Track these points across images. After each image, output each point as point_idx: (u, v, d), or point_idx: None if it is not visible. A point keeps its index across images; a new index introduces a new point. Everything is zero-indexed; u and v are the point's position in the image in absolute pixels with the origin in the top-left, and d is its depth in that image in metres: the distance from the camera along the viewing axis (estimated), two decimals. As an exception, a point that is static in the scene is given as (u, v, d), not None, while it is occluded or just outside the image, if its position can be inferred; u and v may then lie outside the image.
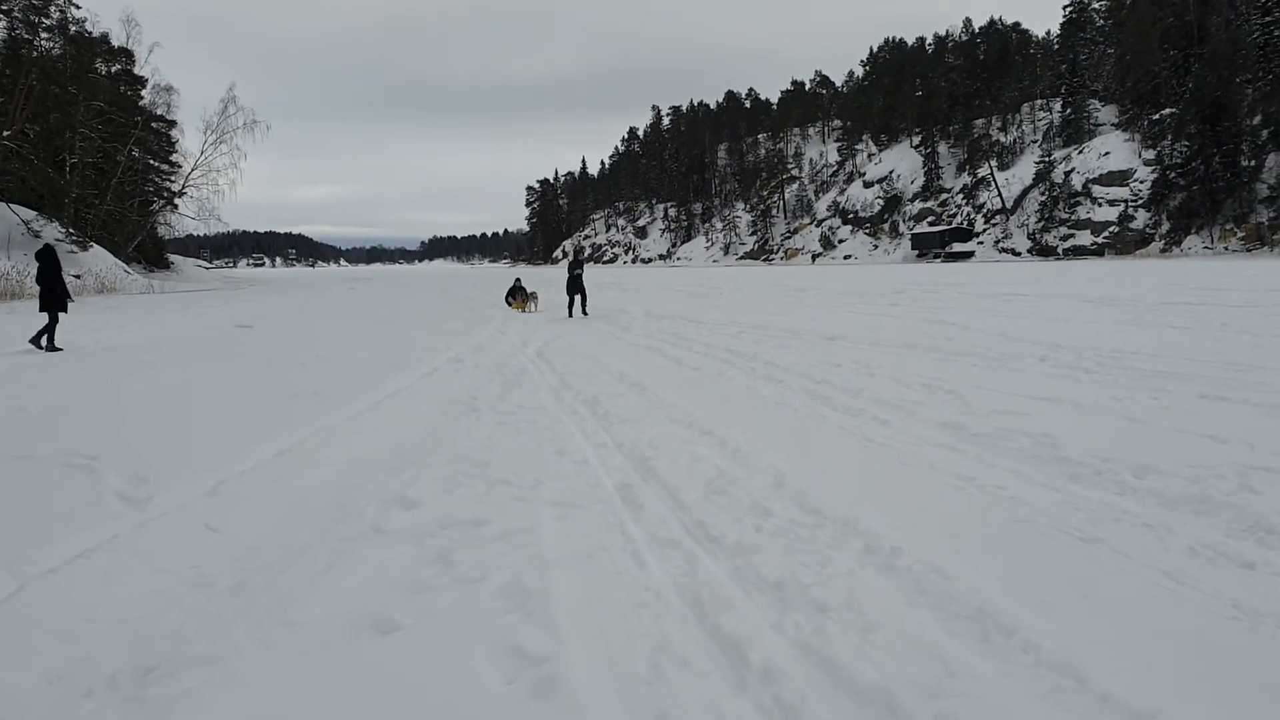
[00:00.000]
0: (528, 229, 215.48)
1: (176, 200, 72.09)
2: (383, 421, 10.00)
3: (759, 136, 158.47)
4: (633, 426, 9.26)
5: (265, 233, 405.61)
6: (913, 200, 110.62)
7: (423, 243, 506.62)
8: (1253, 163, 74.18)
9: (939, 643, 4.04)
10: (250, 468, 7.72)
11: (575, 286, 27.50)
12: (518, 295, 32.62)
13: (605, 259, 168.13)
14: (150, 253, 71.62)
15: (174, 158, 74.38)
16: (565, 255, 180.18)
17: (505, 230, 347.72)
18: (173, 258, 77.23)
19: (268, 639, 4.24)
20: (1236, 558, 5.05)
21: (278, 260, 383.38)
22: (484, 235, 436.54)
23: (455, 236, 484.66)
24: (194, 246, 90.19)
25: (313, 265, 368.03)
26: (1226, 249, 72.76)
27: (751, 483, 6.88)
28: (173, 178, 73.68)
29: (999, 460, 7.48)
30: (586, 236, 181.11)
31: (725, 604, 4.56)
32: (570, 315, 27.04)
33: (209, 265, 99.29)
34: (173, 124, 73.07)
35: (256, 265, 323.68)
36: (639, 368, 14.08)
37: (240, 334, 22.41)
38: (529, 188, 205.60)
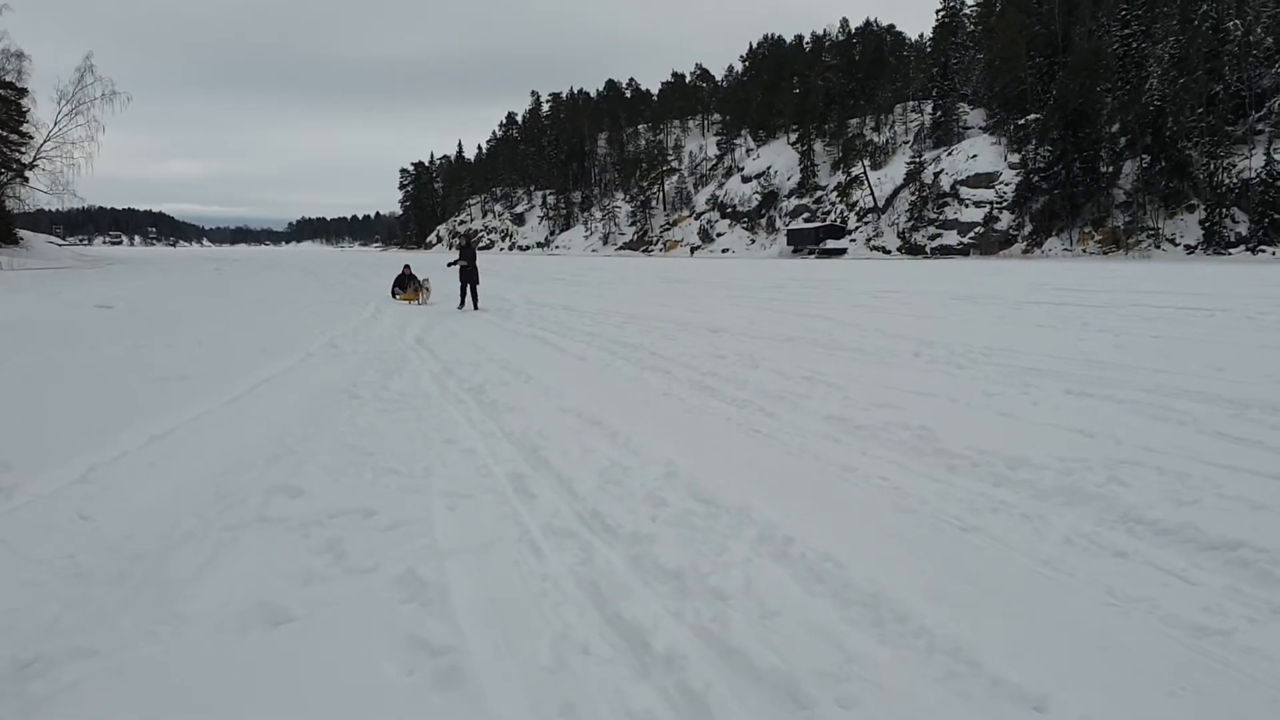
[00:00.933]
0: (401, 212, 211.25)
1: (27, 173, 68.31)
2: (260, 408, 9.70)
3: (639, 127, 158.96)
4: (521, 416, 9.18)
5: (124, 210, 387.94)
6: (789, 196, 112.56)
7: (291, 224, 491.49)
8: (1111, 169, 77.84)
9: (837, 630, 4.13)
10: (122, 454, 7.39)
11: (467, 275, 24.88)
12: (408, 285, 28.75)
13: (482, 245, 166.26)
14: (-4, 227, 67.73)
15: (24, 128, 70.31)
16: (441, 240, 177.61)
17: (377, 213, 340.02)
18: (22, 233, 73.08)
19: (155, 631, 4.06)
20: (1109, 547, 5.30)
21: (136, 239, 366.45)
22: (355, 218, 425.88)
23: (325, 218, 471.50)
24: (46, 222, 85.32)
25: (174, 245, 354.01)
26: (1085, 251, 76.22)
27: (645, 473, 6.90)
28: (23, 149, 69.75)
29: (881, 452, 7.69)
30: (462, 222, 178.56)
31: (624, 592, 4.57)
32: (461, 307, 24.80)
33: (62, 242, 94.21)
34: (23, 92, 69.10)
35: (114, 244, 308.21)
36: (523, 356, 13.98)
37: (100, 315, 21.39)
38: (403, 170, 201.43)
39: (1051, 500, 6.19)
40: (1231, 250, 66.99)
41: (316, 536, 5.40)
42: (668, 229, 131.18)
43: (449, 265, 25.89)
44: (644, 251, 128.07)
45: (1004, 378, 11.30)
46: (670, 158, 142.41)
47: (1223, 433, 8.03)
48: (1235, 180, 69.06)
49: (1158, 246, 72.16)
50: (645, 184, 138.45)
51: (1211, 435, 7.97)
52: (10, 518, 5.77)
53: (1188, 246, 70.54)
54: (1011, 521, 5.81)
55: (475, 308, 24.49)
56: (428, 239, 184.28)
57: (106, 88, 67.70)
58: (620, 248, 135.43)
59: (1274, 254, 64.06)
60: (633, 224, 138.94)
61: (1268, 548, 4.96)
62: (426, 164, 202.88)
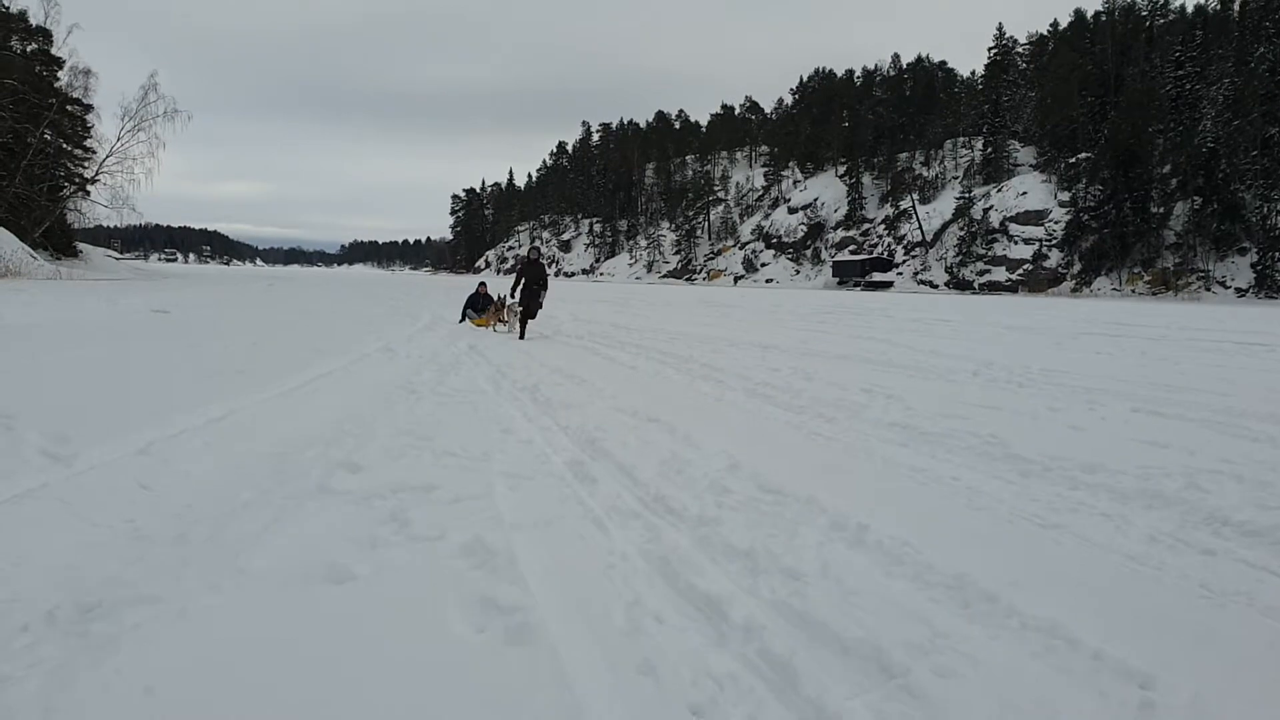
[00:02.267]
0: (451, 237, 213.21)
1: (89, 187, 69.57)
2: (316, 399, 9.66)
3: (687, 158, 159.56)
4: (577, 412, 9.09)
5: (179, 227, 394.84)
6: (835, 228, 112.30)
7: (342, 246, 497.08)
8: (1161, 210, 76.92)
9: (922, 608, 3.96)
10: (180, 432, 7.35)
11: (530, 298, 19.89)
12: (484, 307, 22.95)
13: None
14: (58, 240, 68.76)
15: (88, 143, 71.57)
16: (490, 265, 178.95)
17: (428, 238, 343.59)
18: (82, 246, 74.36)
19: (217, 584, 3.97)
20: (1196, 545, 5.09)
21: (191, 256, 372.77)
22: (405, 242, 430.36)
23: (376, 242, 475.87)
24: (104, 237, 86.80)
25: (227, 263, 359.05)
26: (1134, 291, 75.24)
27: (706, 464, 6.76)
28: (86, 164, 71.08)
29: (950, 456, 7.49)
30: (510, 248, 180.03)
31: (695, 568, 4.43)
32: (522, 336, 19.49)
33: (119, 256, 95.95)
34: (89, 108, 70.44)
35: (169, 260, 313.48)
36: (574, 364, 13.90)
37: (156, 318, 21.62)
38: (454, 196, 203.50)
39: (1132, 503, 5.97)
40: (1285, 294, 65.82)
41: (379, 508, 5.31)
42: (712, 258, 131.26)
43: (511, 296, 20.40)
44: (687, 280, 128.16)
45: (1068, 396, 11.04)
46: (717, 188, 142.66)
47: (1303, 450, 7.77)
48: (1290, 223, 67.94)
49: (1208, 289, 71.05)
50: (691, 213, 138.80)
51: (1290, 451, 7.70)
52: (70, 483, 5.71)
53: (1239, 290, 69.39)
54: (1092, 520, 5.61)
55: (521, 336, 19.36)
56: (476, 264, 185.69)
57: (168, 105, 68.74)
58: (664, 276, 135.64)
59: (1330, 298, 62.81)
60: (677, 253, 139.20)
61: (1370, 549, 4.72)
62: (478, 190, 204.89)
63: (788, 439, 8.18)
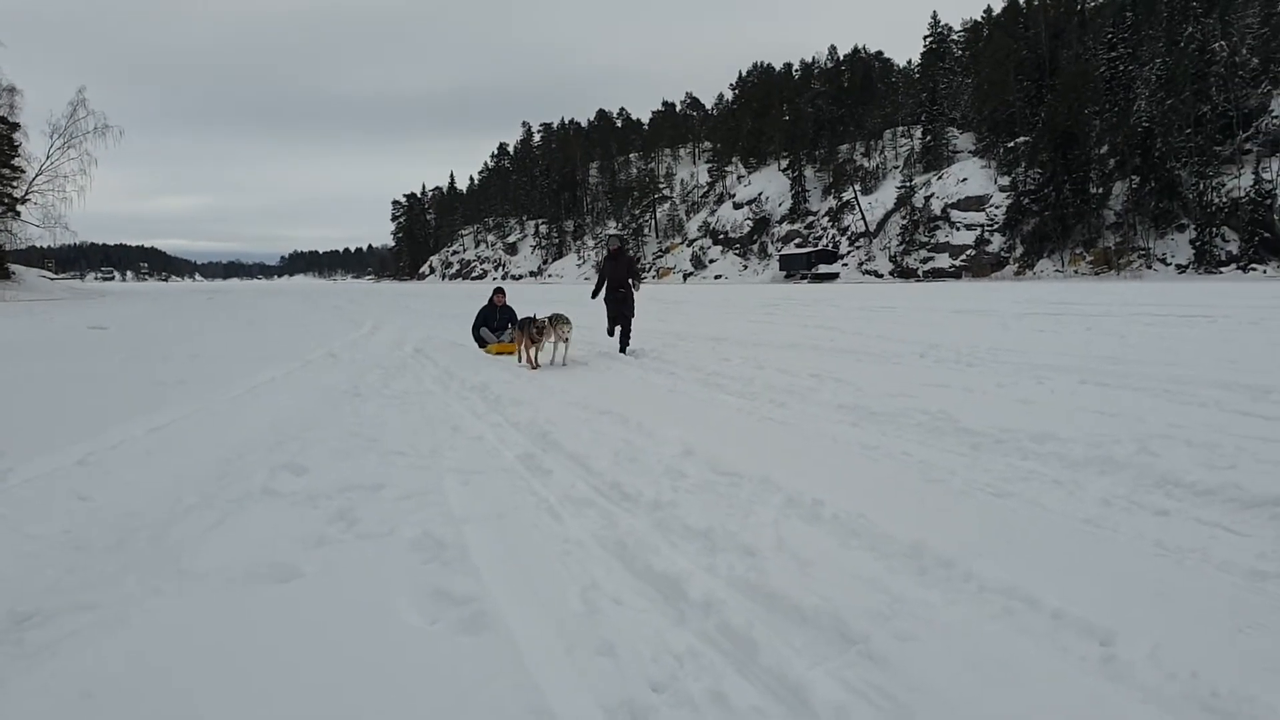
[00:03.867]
0: (393, 244, 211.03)
1: (19, 207, 67.92)
2: (260, 405, 9.47)
3: (630, 156, 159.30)
4: (528, 408, 8.99)
5: (115, 245, 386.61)
6: (781, 222, 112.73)
7: (283, 257, 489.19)
8: (1100, 190, 78.02)
9: (880, 576, 3.94)
10: (120, 442, 7.16)
11: (617, 300, 15.56)
12: (504, 326, 17.05)
13: (474, 275, 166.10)
14: (-12, 262, 67.18)
15: (16, 162, 69.93)
16: (434, 271, 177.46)
17: (369, 245, 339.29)
18: (14, 268, 72.52)
19: (159, 587, 3.85)
20: (1150, 507, 5.13)
21: (129, 274, 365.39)
22: (347, 250, 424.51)
23: (317, 251, 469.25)
24: (38, 257, 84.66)
25: (166, 279, 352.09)
26: (1076, 272, 76.27)
27: (660, 451, 6.72)
28: (15, 183, 69.38)
29: (900, 433, 7.50)
30: (455, 252, 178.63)
31: (652, 550, 4.37)
32: (621, 348, 15.55)
33: (54, 276, 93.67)
34: (15, 126, 68.84)
35: (106, 279, 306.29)
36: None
37: (94, 334, 21.14)
38: (395, 202, 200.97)
39: (1084, 469, 6.02)
40: (1222, 269, 67.11)
41: (325, 507, 5.19)
42: (660, 256, 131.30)
43: (594, 296, 16.04)
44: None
45: (1015, 372, 11.13)
46: (662, 185, 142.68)
47: (1247, 412, 7.90)
48: (1225, 200, 69.26)
49: (1149, 266, 72.27)
50: (637, 212, 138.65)
51: (1235, 414, 7.83)
52: (4, 497, 5.53)
53: (1179, 266, 70.67)
54: (1045, 487, 5.64)
55: (623, 350, 15.46)
56: (420, 270, 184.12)
57: (99, 121, 67.39)
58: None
59: (1264, 272, 64.19)
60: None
61: (1318, 503, 4.78)
62: (419, 195, 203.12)
63: (741, 424, 8.15)
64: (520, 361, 13.63)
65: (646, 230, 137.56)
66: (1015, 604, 3.58)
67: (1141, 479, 5.67)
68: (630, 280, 15.53)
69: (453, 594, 3.73)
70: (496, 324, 16.98)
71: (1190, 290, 38.45)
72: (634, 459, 6.47)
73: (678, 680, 3.05)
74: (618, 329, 15.74)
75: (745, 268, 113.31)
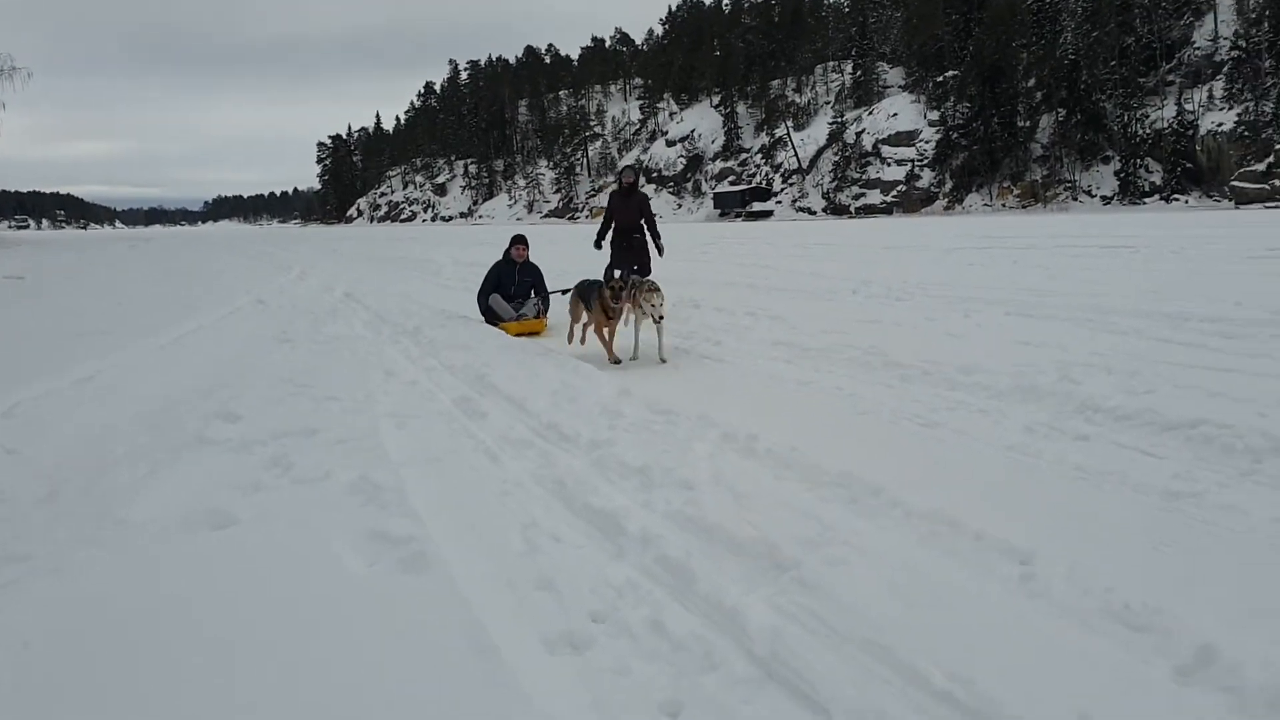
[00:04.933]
0: (320, 187, 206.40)
1: (-79, 154, 65.04)
2: (188, 354, 9.32)
3: (560, 93, 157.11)
4: (463, 352, 8.94)
5: (29, 193, 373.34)
6: (714, 159, 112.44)
7: (207, 203, 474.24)
8: (1027, 123, 78.98)
9: (811, 506, 4.04)
10: (45, 394, 7.02)
11: (627, 250, 12.15)
12: (523, 294, 12.24)
13: (403, 217, 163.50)
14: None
15: (-84, 107, 66.88)
16: (362, 214, 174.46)
17: (295, 189, 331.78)
18: (-81, 217, 69.72)
19: (93, 537, 3.81)
20: (1071, 432, 5.32)
21: (44, 222, 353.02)
22: (272, 194, 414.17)
23: (242, 196, 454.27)
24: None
25: (84, 227, 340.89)
26: (1005, 205, 77.36)
27: (597, 392, 6.75)
28: (-86, 129, 66.38)
29: (833, 368, 7.64)
30: (383, 194, 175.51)
31: (590, 489, 4.43)
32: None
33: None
34: (-88, 71, 65.74)
35: (19, 227, 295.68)
36: (460, 305, 13.67)
37: (10, 284, 20.52)
38: (320, 144, 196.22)
39: (1008, 398, 6.20)
40: (1146, 200, 68.54)
41: (260, 454, 5.15)
42: (593, 195, 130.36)
43: (598, 245, 12.60)
44: (569, 219, 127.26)
45: (944, 306, 11.33)
46: (593, 123, 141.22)
47: (1166, 339, 8.17)
48: (1148, 131, 70.55)
49: (1075, 198, 73.54)
50: (568, 150, 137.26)
51: (1155, 341, 8.10)
52: (-76, 453, 5.40)
53: (1104, 197, 72.00)
54: (970, 416, 5.82)
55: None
56: (348, 213, 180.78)
57: (5, 63, 64.65)
58: (545, 215, 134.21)
59: (1186, 202, 65.68)
60: (557, 191, 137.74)
61: (1230, 424, 4.99)
62: (344, 137, 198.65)
63: (677, 362, 8.22)
64: (572, 341, 9.80)
65: (579, 169, 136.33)
66: (940, 528, 3.70)
67: (1063, 406, 5.86)
68: (645, 226, 12.21)
69: (391, 535, 3.75)
70: (515, 289, 11.92)
71: (1115, 221, 39.23)
72: (572, 400, 6.51)
73: (617, 611, 3.13)
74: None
75: (679, 206, 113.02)
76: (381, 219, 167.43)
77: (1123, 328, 8.91)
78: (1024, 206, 75.37)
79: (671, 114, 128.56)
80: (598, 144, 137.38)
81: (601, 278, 9.33)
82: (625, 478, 4.62)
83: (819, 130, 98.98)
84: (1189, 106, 69.14)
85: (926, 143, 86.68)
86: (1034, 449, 5.02)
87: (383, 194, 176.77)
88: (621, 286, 8.83)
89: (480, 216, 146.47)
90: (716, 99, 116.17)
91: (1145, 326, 8.90)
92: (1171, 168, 68.25)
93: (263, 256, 35.92)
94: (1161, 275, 14.16)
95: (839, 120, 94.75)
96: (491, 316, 11.51)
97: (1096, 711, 2.33)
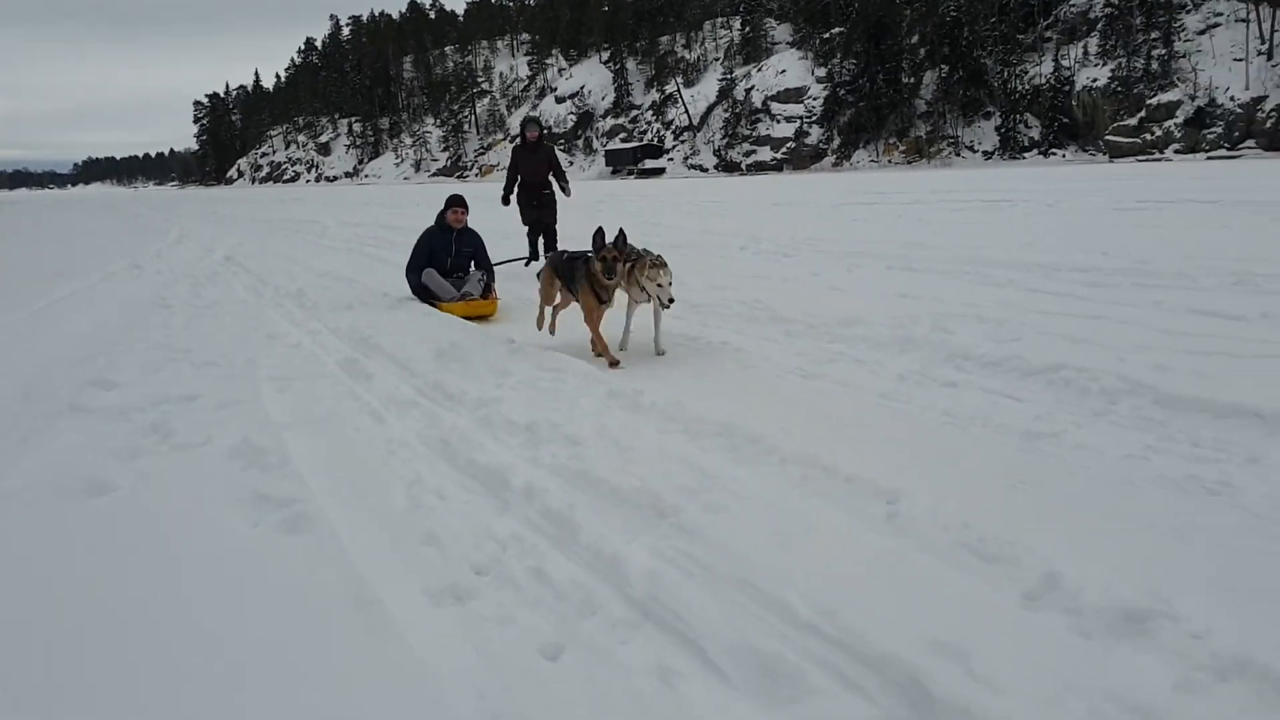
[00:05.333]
0: (197, 148, 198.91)
1: None
2: (60, 321, 9.01)
3: (446, 49, 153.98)
4: (348, 314, 8.85)
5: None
6: (605, 116, 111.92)
7: (77, 165, 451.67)
8: (912, 80, 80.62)
9: (693, 456, 4.15)
10: (-99, 367, 6.72)
11: (536, 208, 13.17)
12: (460, 270, 10.24)
13: (286, 178, 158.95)
14: None
15: None
16: (243, 175, 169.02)
17: (172, 150, 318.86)
18: None
19: (-41, 509, 3.70)
20: (940, 379, 5.55)
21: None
22: (148, 156, 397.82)
23: (115, 157, 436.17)
24: None
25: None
26: (891, 161, 78.94)
27: (485, 351, 6.77)
28: None
29: (720, 324, 7.79)
30: (264, 155, 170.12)
31: (476, 446, 4.46)
32: (528, 264, 13.05)
33: None
34: None
35: None
36: (344, 267, 13.48)
37: None
38: (197, 103, 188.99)
39: (885, 349, 6.41)
40: (1025, 155, 70.71)
41: (138, 420, 5.05)
42: (482, 153, 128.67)
43: (505, 201, 13.19)
44: (459, 177, 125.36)
45: (829, 261, 11.59)
46: (480, 80, 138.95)
47: (1036, 289, 8.54)
48: (1027, 87, 72.66)
49: (958, 154, 75.43)
50: (456, 108, 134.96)
51: (1026, 291, 8.45)
52: None
53: (985, 153, 74.00)
54: (849, 367, 6.02)
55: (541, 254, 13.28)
56: (228, 174, 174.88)
57: None
58: (434, 174, 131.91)
59: (1064, 156, 67.95)
60: (445, 149, 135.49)
61: (1087, 367, 5.27)
62: (222, 95, 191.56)
63: (566, 320, 8.25)
64: (542, 328, 7.78)
65: (467, 126, 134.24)
66: (813, 472, 3.85)
67: (935, 355, 6.10)
68: (554, 179, 12.96)
69: (274, 497, 3.74)
70: (453, 261, 10.18)
71: (995, 176, 40.44)
72: (459, 360, 6.51)
73: (501, 563, 3.19)
74: (540, 240, 13.30)
75: (571, 164, 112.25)
76: (263, 180, 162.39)
77: (996, 279, 9.26)
78: (909, 162, 76.98)
79: (560, 70, 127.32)
80: (486, 101, 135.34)
81: (591, 245, 6.97)
82: (512, 435, 4.67)
83: (709, 87, 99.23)
84: (1065, 63, 71.34)
85: (815, 99, 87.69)
86: (905, 396, 5.24)
87: (264, 154, 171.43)
88: (616, 258, 6.83)
89: (366, 176, 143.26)
90: (606, 55, 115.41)
91: (1017, 277, 9.26)
92: (1049, 123, 70.47)
93: (138, 220, 34.64)
94: (1037, 228, 14.72)
95: (728, 77, 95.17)
96: (427, 295, 9.70)
97: (948, 636, 2.48)
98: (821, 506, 3.53)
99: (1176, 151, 60.35)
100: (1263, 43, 61.99)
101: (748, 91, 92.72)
